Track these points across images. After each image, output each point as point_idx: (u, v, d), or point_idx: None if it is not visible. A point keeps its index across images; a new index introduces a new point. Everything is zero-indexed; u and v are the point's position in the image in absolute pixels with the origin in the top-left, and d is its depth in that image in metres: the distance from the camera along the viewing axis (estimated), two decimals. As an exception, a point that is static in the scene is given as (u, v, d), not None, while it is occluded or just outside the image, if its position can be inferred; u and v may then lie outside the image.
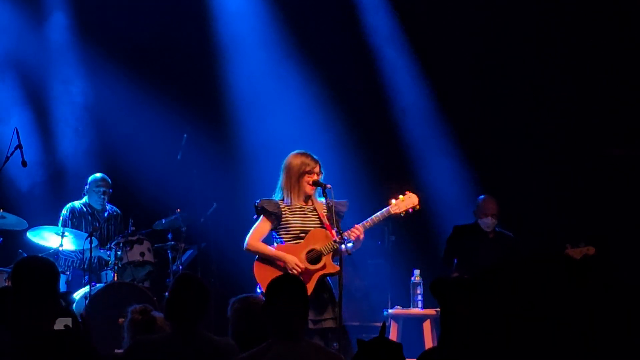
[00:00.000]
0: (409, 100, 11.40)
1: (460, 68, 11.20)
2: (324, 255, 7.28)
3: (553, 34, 11.03)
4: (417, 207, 7.57)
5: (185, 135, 10.48)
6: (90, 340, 4.79)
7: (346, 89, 11.42)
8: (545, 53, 11.06)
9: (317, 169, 7.38)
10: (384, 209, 7.47)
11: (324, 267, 7.28)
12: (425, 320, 9.41)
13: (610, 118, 10.74)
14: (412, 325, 9.57)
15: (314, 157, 7.44)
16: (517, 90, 11.10)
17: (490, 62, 11.16)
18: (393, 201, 7.52)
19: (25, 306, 4.53)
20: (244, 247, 7.39)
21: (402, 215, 7.53)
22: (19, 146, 8.81)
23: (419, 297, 9.47)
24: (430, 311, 9.38)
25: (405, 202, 7.53)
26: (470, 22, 11.14)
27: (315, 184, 7.36)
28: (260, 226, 7.39)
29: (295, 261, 7.21)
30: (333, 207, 7.24)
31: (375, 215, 7.44)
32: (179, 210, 9.93)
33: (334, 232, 7.18)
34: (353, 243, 7.31)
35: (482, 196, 9.57)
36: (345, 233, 7.24)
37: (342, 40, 11.44)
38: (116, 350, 7.88)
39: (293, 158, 7.44)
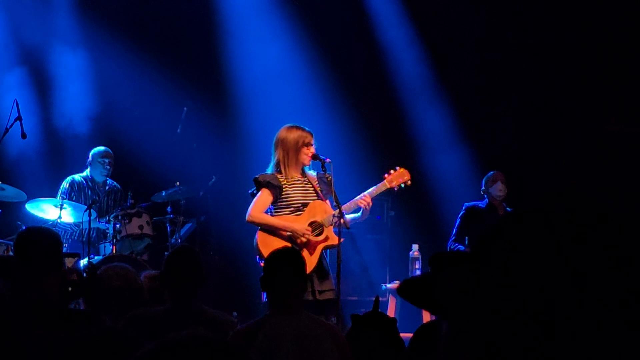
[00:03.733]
0: (409, 76, 11.38)
1: (463, 47, 11.20)
2: (326, 227, 7.31)
3: (557, 17, 11.00)
4: (409, 182, 7.72)
5: (185, 109, 10.45)
6: (95, 312, 4.76)
7: (348, 64, 11.41)
8: (551, 37, 11.03)
9: (312, 141, 7.41)
10: (380, 183, 7.61)
11: (326, 238, 7.31)
12: (424, 295, 9.40)
13: (614, 96, 10.73)
14: (410, 300, 9.56)
15: (308, 129, 7.47)
16: (520, 69, 11.09)
17: (493, 42, 11.13)
18: (386, 176, 7.67)
19: (31, 277, 4.51)
20: (247, 218, 7.37)
21: (395, 189, 7.67)
22: (19, 118, 8.80)
23: (418, 272, 9.47)
24: (429, 286, 9.36)
25: (397, 176, 7.68)
26: (475, 6, 11.13)
27: (315, 157, 7.36)
28: (265, 198, 7.37)
29: (304, 229, 7.23)
30: (332, 180, 7.27)
31: (373, 188, 7.51)
32: (178, 183, 9.90)
33: (329, 204, 7.27)
34: (361, 213, 7.37)
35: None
36: (358, 202, 7.31)
37: (345, 16, 11.41)
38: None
39: (287, 132, 7.43)
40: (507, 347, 1.34)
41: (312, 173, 7.47)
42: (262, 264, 7.07)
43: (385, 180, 7.62)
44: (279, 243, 7.06)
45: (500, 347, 1.35)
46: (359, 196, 7.40)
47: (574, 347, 1.31)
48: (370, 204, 7.39)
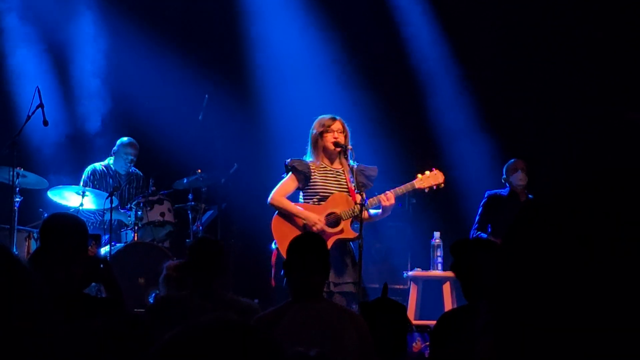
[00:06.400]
0: (431, 64, 11.35)
1: (485, 35, 11.15)
2: (343, 219, 7.28)
3: (580, 5, 10.93)
4: (442, 185, 7.57)
5: (206, 96, 10.43)
6: (122, 299, 4.75)
7: (370, 52, 11.39)
8: (574, 25, 10.96)
9: (335, 126, 7.38)
10: (409, 183, 7.49)
11: (341, 231, 7.27)
12: (445, 282, 9.37)
13: (636, 83, 10.67)
14: (431, 287, 9.54)
15: (333, 116, 7.45)
16: (542, 56, 11.04)
17: (515, 29, 11.08)
18: (419, 176, 7.54)
19: (56, 264, 4.47)
20: (268, 201, 7.39)
21: (425, 190, 7.53)
22: (41, 105, 8.80)
23: (439, 260, 9.43)
24: (450, 273, 9.32)
25: (430, 178, 7.54)
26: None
27: (337, 145, 7.35)
28: (288, 183, 7.40)
29: (317, 219, 7.21)
30: (355, 171, 7.24)
31: (400, 187, 7.43)
32: (199, 170, 9.90)
33: (357, 196, 7.18)
34: (382, 210, 7.30)
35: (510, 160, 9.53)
36: (380, 197, 7.25)
37: (368, 3, 11.38)
38: (135, 310, 7.92)
39: (315, 124, 7.47)
40: (535, 331, 1.34)
41: (354, 164, 7.41)
42: (274, 251, 7.11)
43: (415, 180, 7.49)
44: (290, 230, 7.09)
45: (528, 331, 1.35)
46: (383, 193, 7.34)
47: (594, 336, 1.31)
48: (393, 202, 7.30)
